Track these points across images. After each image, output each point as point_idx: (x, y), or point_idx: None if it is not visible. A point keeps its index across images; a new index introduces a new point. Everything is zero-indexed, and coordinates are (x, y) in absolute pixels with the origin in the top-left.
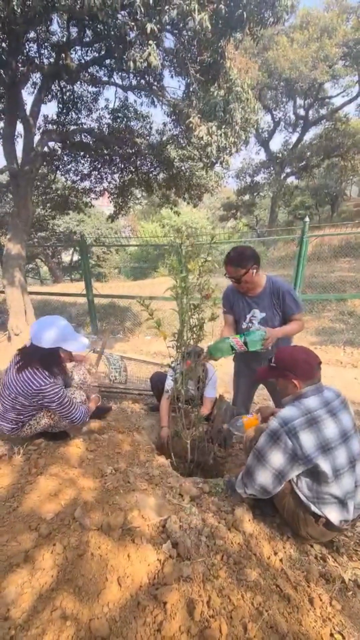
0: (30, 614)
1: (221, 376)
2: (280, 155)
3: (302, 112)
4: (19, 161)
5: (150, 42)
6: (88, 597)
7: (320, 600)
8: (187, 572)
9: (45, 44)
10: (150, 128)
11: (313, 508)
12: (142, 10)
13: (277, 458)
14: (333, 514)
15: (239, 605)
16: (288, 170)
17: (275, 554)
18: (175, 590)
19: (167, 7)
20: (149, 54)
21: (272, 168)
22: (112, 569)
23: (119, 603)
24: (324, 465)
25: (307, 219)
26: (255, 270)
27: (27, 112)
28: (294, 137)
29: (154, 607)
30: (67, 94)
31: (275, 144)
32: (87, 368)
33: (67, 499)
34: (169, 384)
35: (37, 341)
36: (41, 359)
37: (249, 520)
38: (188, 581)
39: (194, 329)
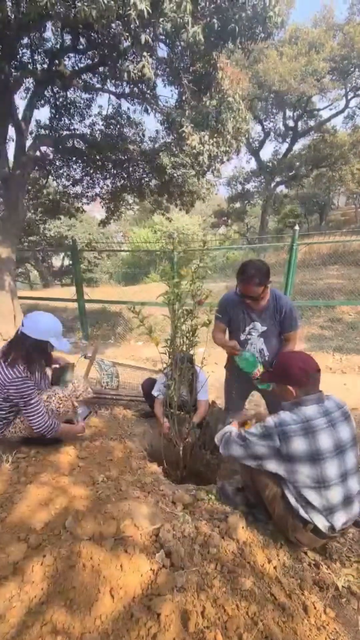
0: (20, 629)
1: (212, 382)
2: (270, 164)
3: (291, 123)
4: (10, 165)
5: (145, 53)
6: (80, 610)
7: (315, 608)
8: (181, 582)
9: (39, 50)
10: (143, 135)
11: (301, 512)
12: (137, 21)
13: (258, 448)
14: (320, 521)
15: (234, 615)
16: (278, 179)
17: (269, 561)
18: (169, 600)
19: (161, 19)
20: (143, 66)
21: (262, 177)
22: (104, 580)
23: (111, 616)
24: (308, 471)
25: (296, 227)
26: (270, 284)
27: (20, 117)
28: (284, 147)
29: (147, 618)
30: (60, 99)
31: (266, 154)
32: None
33: (58, 508)
34: (158, 389)
35: (29, 330)
36: (28, 350)
37: (243, 527)
38: (182, 591)
39: (187, 334)
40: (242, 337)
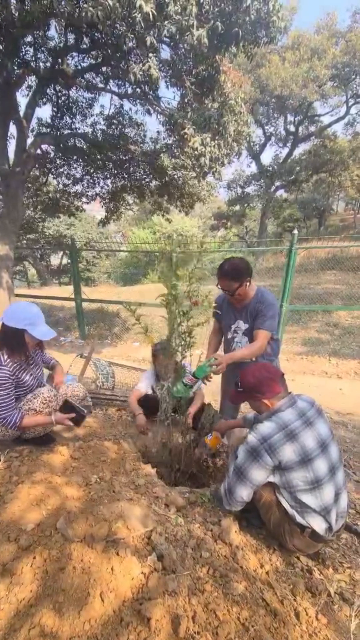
0: (7, 632)
1: (208, 384)
2: (270, 168)
3: (292, 128)
4: (11, 162)
5: (150, 55)
6: (69, 613)
7: (307, 614)
8: (173, 586)
9: (42, 48)
10: (145, 136)
11: (298, 518)
12: (143, 24)
13: (257, 474)
14: (317, 524)
15: (225, 620)
16: (278, 183)
17: (262, 566)
18: (160, 605)
19: (166, 22)
20: (150, 67)
21: (262, 181)
22: (94, 582)
23: (101, 619)
24: (302, 475)
25: (295, 231)
26: (248, 283)
27: (21, 114)
28: (284, 152)
29: (137, 623)
30: (62, 98)
31: (266, 158)
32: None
33: (49, 508)
34: (142, 385)
35: (5, 319)
36: (4, 338)
37: (236, 531)
38: (173, 595)
39: (183, 335)
40: (229, 335)
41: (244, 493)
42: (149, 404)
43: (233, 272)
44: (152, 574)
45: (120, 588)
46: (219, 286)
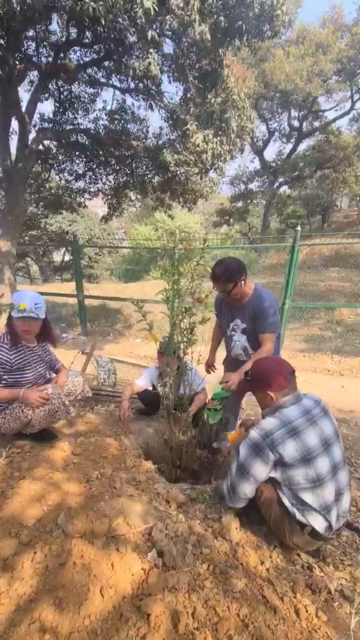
0: (7, 627)
1: (210, 380)
2: (274, 164)
3: (296, 123)
4: (13, 158)
5: (151, 50)
6: (69, 608)
7: (307, 611)
8: (173, 582)
9: (44, 43)
10: (147, 131)
11: (298, 516)
12: (144, 18)
13: (259, 471)
14: (317, 522)
15: (225, 616)
16: (281, 179)
17: (262, 563)
18: (160, 601)
19: (168, 16)
20: (149, 64)
21: (265, 177)
22: (94, 578)
23: (101, 615)
24: (303, 473)
25: (299, 227)
26: (243, 282)
27: (23, 110)
28: (288, 148)
29: (137, 619)
30: (65, 93)
31: (270, 154)
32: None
33: (50, 504)
34: (141, 380)
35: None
36: (7, 325)
37: (236, 528)
38: (173, 592)
39: (185, 332)
40: (228, 333)
41: (247, 489)
42: (150, 400)
43: (225, 274)
44: (152, 570)
45: (120, 584)
46: (214, 288)
